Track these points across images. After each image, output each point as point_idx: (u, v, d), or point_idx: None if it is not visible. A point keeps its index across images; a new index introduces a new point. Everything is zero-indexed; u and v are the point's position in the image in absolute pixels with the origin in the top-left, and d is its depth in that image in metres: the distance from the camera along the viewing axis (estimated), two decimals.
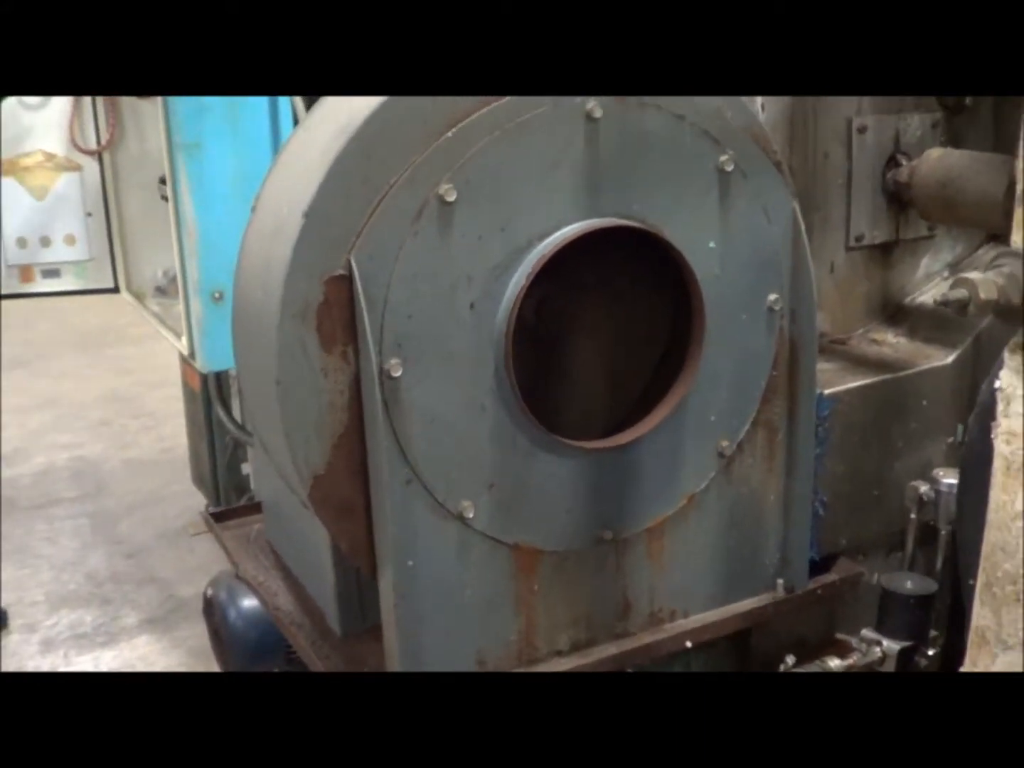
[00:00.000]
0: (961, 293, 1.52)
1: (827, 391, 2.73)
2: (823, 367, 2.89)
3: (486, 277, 2.20)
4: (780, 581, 2.70)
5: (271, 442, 2.30)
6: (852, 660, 2.50)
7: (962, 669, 1.74)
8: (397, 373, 2.14)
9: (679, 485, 2.51)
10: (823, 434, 2.73)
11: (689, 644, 2.58)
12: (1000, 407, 1.58)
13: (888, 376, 2.86)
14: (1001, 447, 1.60)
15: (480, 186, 2.17)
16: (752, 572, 2.69)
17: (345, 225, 2.09)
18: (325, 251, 2.10)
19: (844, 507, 2.84)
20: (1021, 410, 1.55)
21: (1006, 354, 1.58)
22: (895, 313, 3.19)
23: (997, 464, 1.61)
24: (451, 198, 2.14)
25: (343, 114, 2.15)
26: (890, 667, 2.49)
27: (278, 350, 2.10)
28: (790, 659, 2.44)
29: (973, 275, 1.53)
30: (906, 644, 2.52)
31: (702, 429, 2.50)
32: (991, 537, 1.64)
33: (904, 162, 3.02)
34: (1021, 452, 1.57)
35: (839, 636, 2.57)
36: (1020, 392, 1.55)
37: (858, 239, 3.04)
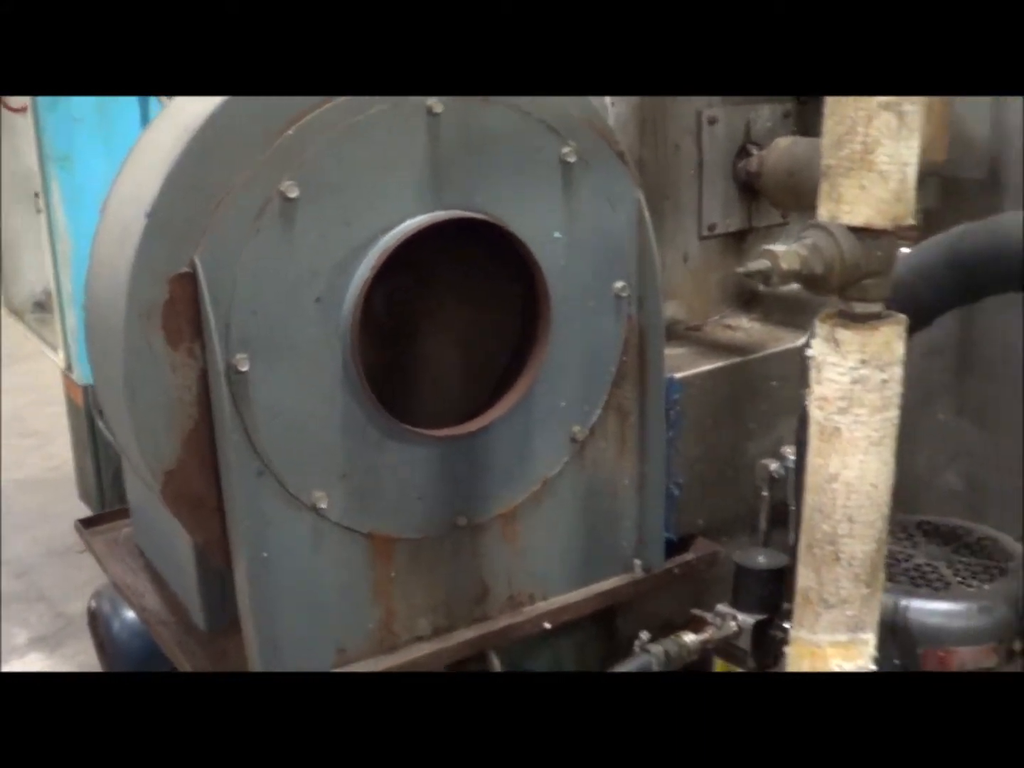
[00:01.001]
0: (763, 264, 1.58)
1: (678, 375, 2.79)
2: (677, 352, 2.96)
3: (331, 272, 2.24)
4: (637, 562, 2.75)
5: (124, 440, 2.33)
6: (708, 635, 2.55)
7: (789, 629, 1.79)
8: (244, 368, 2.17)
9: (532, 470, 2.56)
10: (675, 417, 2.78)
11: (548, 625, 2.63)
12: (812, 374, 1.64)
13: (739, 359, 2.92)
14: (815, 413, 1.66)
15: (322, 183, 2.20)
16: (610, 553, 2.75)
17: (189, 224, 2.12)
18: (169, 250, 2.12)
19: (700, 488, 2.90)
20: (833, 376, 1.61)
21: (816, 323, 1.64)
22: (750, 299, 3.26)
23: (812, 430, 1.68)
24: (293, 195, 2.17)
25: (185, 115, 2.18)
26: (745, 641, 2.54)
27: (125, 348, 2.13)
28: (644, 635, 2.48)
29: (776, 247, 1.59)
30: (760, 617, 2.58)
31: (553, 415, 2.55)
32: (809, 500, 1.71)
33: (754, 151, 3.08)
34: (834, 417, 1.63)
35: (695, 612, 2.62)
36: (830, 359, 1.61)
37: (711, 228, 3.11)
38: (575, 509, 2.65)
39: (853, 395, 1.61)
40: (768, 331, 3.09)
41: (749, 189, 3.12)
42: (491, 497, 2.52)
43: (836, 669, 1.74)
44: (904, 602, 2.32)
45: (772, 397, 2.96)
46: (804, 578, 1.73)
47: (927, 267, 2.03)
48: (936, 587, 2.38)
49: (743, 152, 3.11)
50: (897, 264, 1.83)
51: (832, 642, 1.74)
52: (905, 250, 2.07)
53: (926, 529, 2.62)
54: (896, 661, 2.24)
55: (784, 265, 1.57)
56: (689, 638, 2.52)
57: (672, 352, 2.92)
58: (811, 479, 1.69)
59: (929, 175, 2.99)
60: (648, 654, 2.47)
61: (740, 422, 2.91)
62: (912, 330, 2.05)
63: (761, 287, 3.14)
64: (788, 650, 1.81)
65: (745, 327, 3.15)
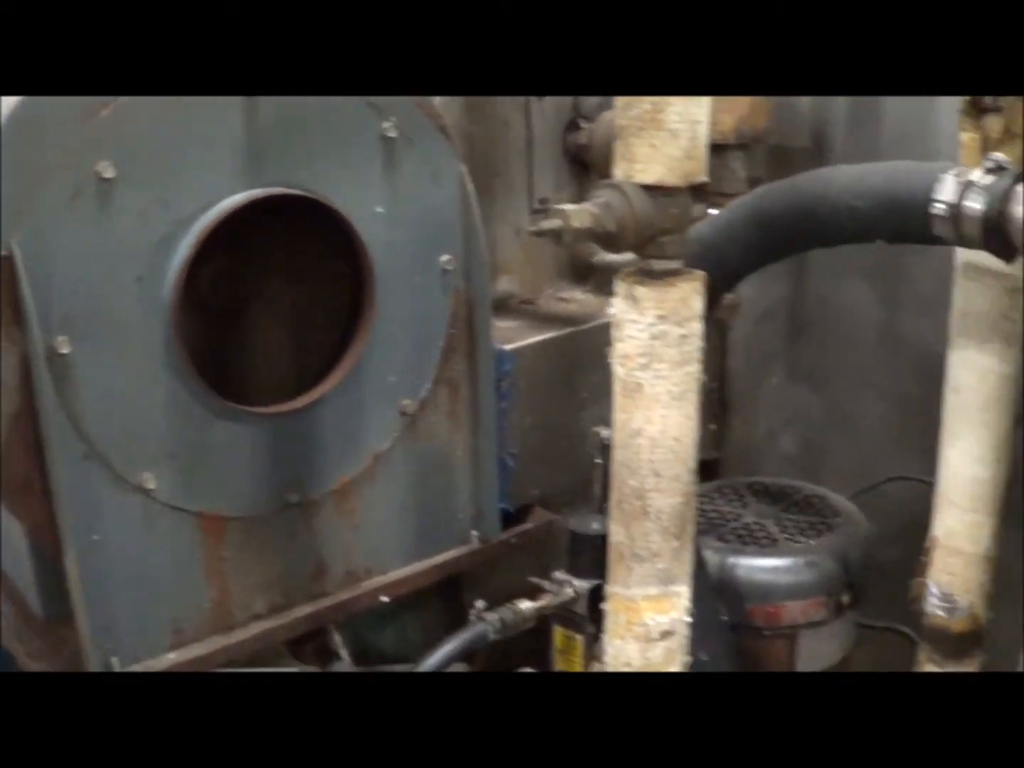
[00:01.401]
0: (555, 223, 1.60)
1: (509, 347, 2.81)
2: (509, 325, 2.97)
3: (152, 252, 2.23)
4: (474, 533, 2.78)
5: None
6: (544, 601, 2.57)
7: (606, 586, 1.81)
8: (65, 350, 2.16)
9: (363, 445, 2.57)
10: (507, 389, 2.80)
11: (385, 599, 2.64)
12: (613, 332, 1.67)
13: (571, 330, 2.95)
14: (617, 370, 1.70)
15: (140, 162, 2.19)
16: (446, 526, 2.77)
17: (4, 208, 2.10)
18: None
19: (535, 458, 2.93)
20: (632, 333, 1.64)
21: (616, 282, 1.67)
22: (584, 272, 3.28)
23: (615, 387, 1.71)
24: (109, 175, 2.16)
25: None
26: (582, 606, 2.57)
27: None
28: (480, 603, 2.51)
29: (567, 206, 1.61)
30: (596, 582, 2.61)
31: (382, 389, 2.56)
32: (617, 456, 1.74)
33: (584, 125, 3.11)
34: (635, 373, 1.66)
35: (533, 580, 2.64)
36: (629, 317, 1.64)
37: (542, 202, 3.12)
38: (409, 483, 2.67)
39: (653, 351, 1.64)
40: (601, 302, 3.12)
41: (580, 163, 3.15)
42: (323, 473, 2.52)
43: (650, 623, 1.78)
44: (732, 560, 2.37)
45: (605, 366, 2.98)
46: (615, 534, 1.77)
47: (732, 227, 2.07)
48: (763, 544, 2.43)
49: (573, 126, 3.13)
50: (704, 225, 1.87)
51: (645, 596, 1.77)
52: (713, 212, 2.10)
53: (756, 490, 2.67)
54: (724, 617, 2.27)
55: (575, 224, 1.60)
56: (525, 605, 2.54)
57: (505, 325, 2.95)
58: (617, 435, 1.72)
59: (754, 142, 3.04)
60: (484, 622, 2.48)
61: (573, 392, 2.94)
62: (722, 289, 2.10)
63: (595, 259, 3.16)
64: (605, 607, 1.84)
65: (579, 299, 3.18)
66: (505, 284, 3.10)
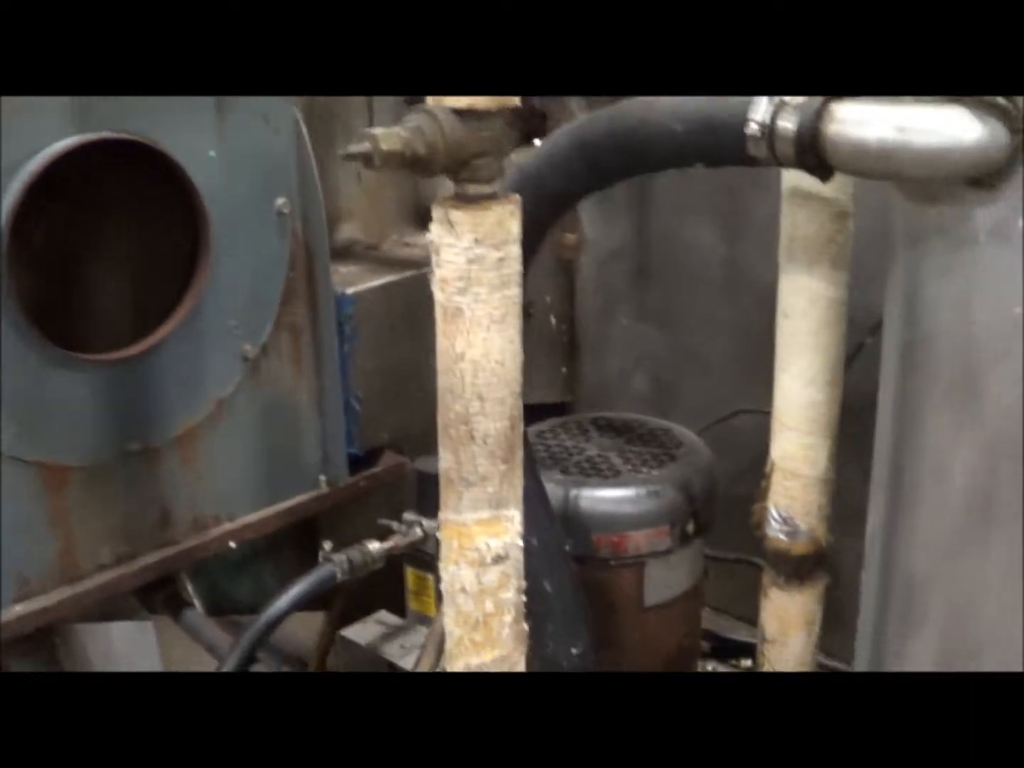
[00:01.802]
0: (364, 147, 1.60)
1: (351, 290, 2.81)
2: (352, 270, 2.97)
3: None
4: (323, 477, 2.78)
5: None
6: (393, 542, 2.58)
7: (441, 516, 1.82)
8: None
9: (205, 391, 2.56)
10: (350, 332, 2.80)
11: (233, 544, 2.64)
12: (432, 258, 1.67)
13: (414, 273, 2.95)
14: (437, 295, 1.70)
15: None
16: (294, 471, 2.77)
17: None
18: None
19: (382, 402, 2.93)
20: (450, 257, 1.64)
21: (433, 207, 1.67)
22: (429, 217, 3.27)
23: (436, 313, 1.71)
24: None
25: None
26: (432, 546, 2.58)
27: None
28: (327, 545, 2.51)
29: (376, 129, 1.61)
30: None
31: (222, 335, 2.55)
32: (441, 382, 1.74)
33: None
34: (455, 298, 1.66)
35: (382, 521, 2.65)
36: (446, 241, 1.64)
37: None
38: (254, 429, 2.66)
39: (471, 275, 1.64)
40: None
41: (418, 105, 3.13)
42: (165, 420, 2.51)
43: (483, 547, 1.78)
44: (575, 491, 2.38)
45: None
46: (444, 460, 1.77)
47: (555, 155, 2.07)
48: (606, 476, 2.45)
49: None
50: (528, 155, 1.88)
51: (477, 520, 1.77)
52: (538, 142, 2.11)
53: (600, 424, 2.69)
54: (568, 548, 2.29)
55: (385, 147, 1.59)
56: (374, 546, 2.55)
57: (347, 270, 2.94)
58: (440, 361, 1.72)
59: None
60: (331, 563, 2.48)
61: (418, 335, 2.93)
62: (549, 219, 2.11)
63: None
64: (439, 535, 1.84)
65: (423, 243, 3.18)
66: (348, 230, 3.09)
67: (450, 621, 1.86)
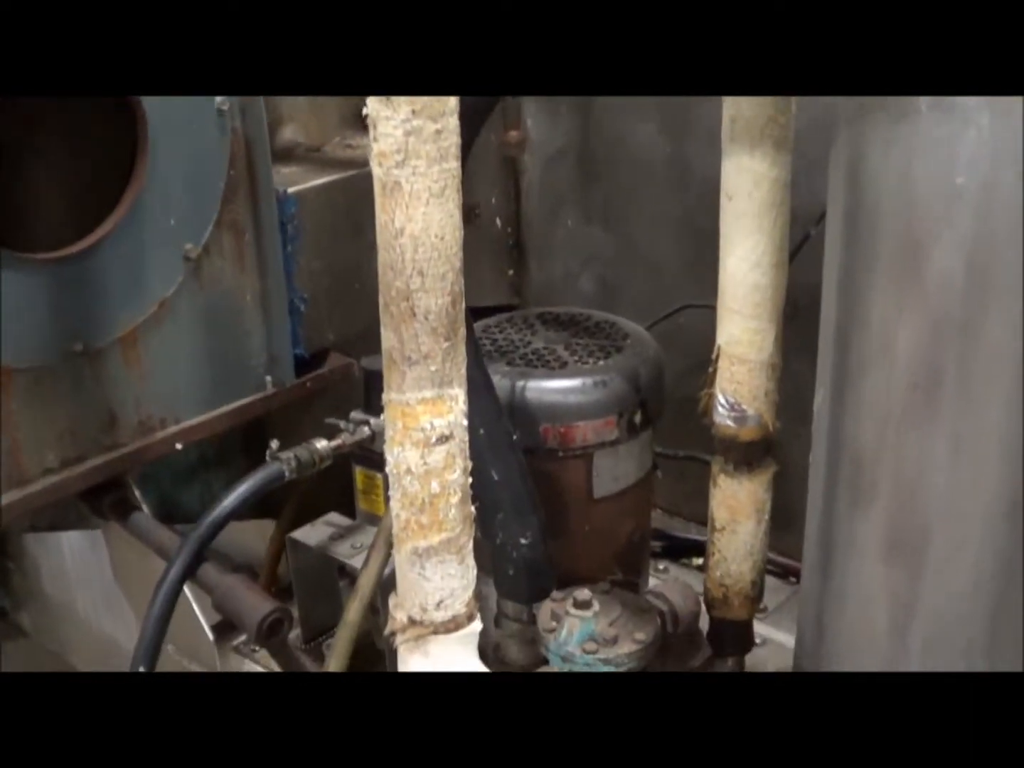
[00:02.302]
0: None
1: (292, 189, 2.78)
2: (293, 170, 2.95)
3: None
4: (269, 379, 2.76)
5: None
6: (340, 440, 2.57)
7: (384, 396, 1.81)
8: None
9: (147, 291, 2.53)
10: (293, 232, 2.78)
11: (179, 446, 2.62)
12: (370, 132, 1.65)
13: (356, 172, 2.92)
14: (376, 170, 1.68)
15: None
16: (240, 373, 2.75)
17: None
18: None
19: (327, 303, 2.91)
20: (387, 131, 1.62)
21: None
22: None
23: (375, 188, 1.69)
24: None
25: None
26: (380, 444, 2.57)
27: None
28: (274, 443, 2.49)
29: None
30: None
31: (163, 233, 2.52)
32: (382, 259, 1.73)
33: None
34: (393, 171, 1.64)
35: (329, 420, 2.64)
36: (384, 114, 1.62)
37: None
38: (198, 330, 2.64)
39: (408, 147, 1.63)
40: None
41: None
42: (107, 320, 2.48)
43: (427, 427, 1.77)
44: (521, 383, 2.37)
45: None
46: (386, 339, 1.76)
47: None
48: (553, 367, 2.44)
49: None
50: None
51: (420, 400, 1.76)
52: None
53: (546, 319, 2.68)
54: (515, 437, 2.28)
55: None
56: (321, 444, 2.54)
57: (290, 170, 2.92)
58: (380, 237, 1.71)
59: None
60: (279, 462, 2.47)
61: (361, 234, 2.92)
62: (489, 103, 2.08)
63: None
64: (384, 417, 1.84)
65: (366, 145, 3.15)
66: (290, 132, 3.07)
67: (396, 504, 1.85)
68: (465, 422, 1.82)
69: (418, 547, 1.88)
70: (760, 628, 2.84)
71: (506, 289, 3.61)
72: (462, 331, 1.78)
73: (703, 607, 2.46)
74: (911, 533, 1.94)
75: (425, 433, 1.79)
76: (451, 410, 1.79)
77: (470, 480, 1.89)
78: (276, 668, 2.75)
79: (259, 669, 2.85)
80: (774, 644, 2.84)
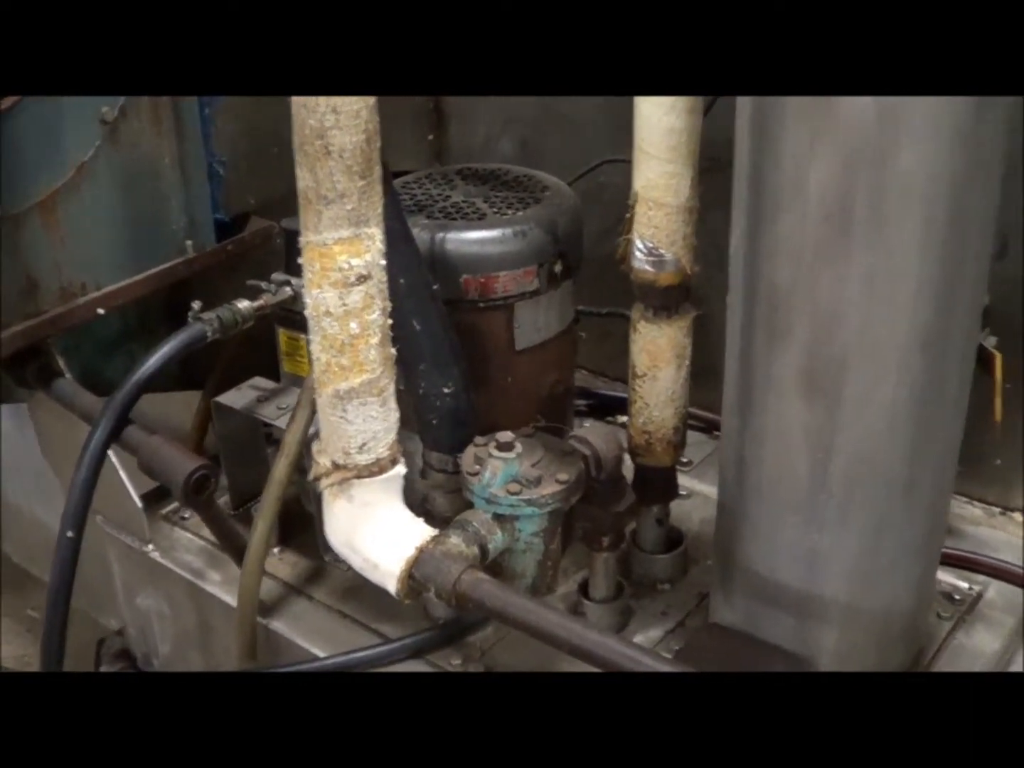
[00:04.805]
0: None
1: None
2: None
3: None
4: (189, 243, 2.75)
5: None
6: (262, 300, 2.56)
7: (301, 239, 1.81)
8: None
9: (63, 155, 2.51)
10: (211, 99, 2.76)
11: (101, 311, 2.62)
12: None
13: None
14: None
15: None
16: (160, 237, 2.74)
17: None
18: None
19: (246, 166, 2.90)
20: None
21: None
22: None
23: None
24: None
25: None
26: (301, 304, 2.57)
27: None
28: (196, 304, 2.49)
29: None
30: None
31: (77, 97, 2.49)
32: (295, 98, 1.73)
33: None
34: None
35: (251, 282, 2.63)
36: None
37: None
38: (116, 194, 2.63)
39: None
40: None
41: None
42: (24, 185, 2.46)
43: (345, 267, 1.78)
44: (441, 235, 2.37)
45: None
46: (302, 179, 1.76)
47: None
48: (472, 219, 2.44)
49: None
50: None
51: (337, 239, 1.77)
52: None
53: (465, 174, 2.68)
54: (436, 287, 2.28)
55: None
56: (243, 304, 2.53)
57: None
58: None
59: None
60: (201, 322, 2.47)
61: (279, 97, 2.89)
62: None
63: None
64: (300, 260, 1.84)
65: None
66: None
67: (316, 347, 1.87)
68: (383, 262, 1.83)
69: (339, 389, 1.89)
70: (686, 481, 2.89)
71: (426, 154, 3.60)
72: (378, 170, 1.78)
73: (627, 454, 2.50)
74: (827, 368, 1.97)
75: (343, 273, 1.80)
76: (368, 249, 1.80)
77: (390, 322, 1.91)
78: (207, 536, 2.76)
79: (189, 537, 2.86)
80: (700, 496, 2.88)
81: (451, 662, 2.44)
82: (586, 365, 3.24)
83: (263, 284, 2.64)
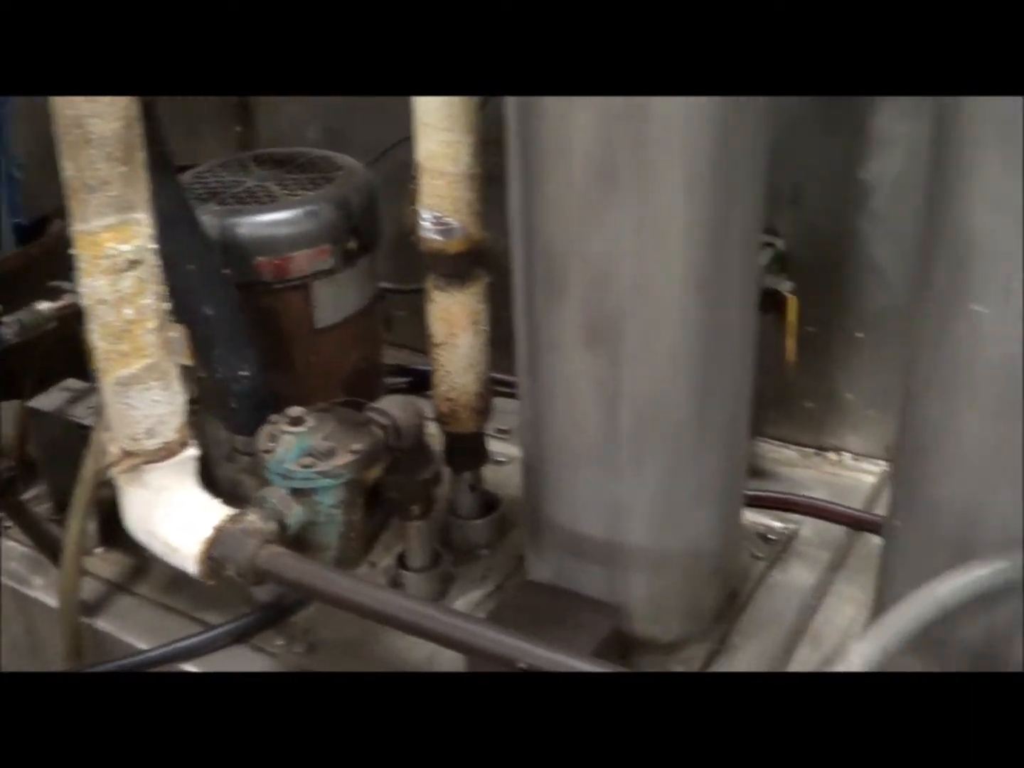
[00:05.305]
0: None
1: None
2: None
3: None
4: None
5: None
6: (65, 301, 2.54)
7: (70, 229, 1.81)
8: None
9: None
10: (2, 97, 2.74)
11: None
12: None
13: None
14: None
15: None
16: None
17: None
18: None
19: (45, 170, 2.86)
20: None
21: None
22: None
23: None
24: None
25: None
26: None
27: None
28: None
29: None
30: None
31: None
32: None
33: None
34: None
35: (52, 283, 2.61)
36: None
37: None
38: None
39: None
40: None
41: None
42: None
43: (114, 253, 1.79)
44: (232, 219, 2.38)
45: None
46: (65, 169, 1.77)
47: None
48: (264, 202, 2.45)
49: None
50: None
51: (104, 227, 1.78)
52: None
53: (261, 159, 2.69)
54: (228, 271, 2.30)
55: None
56: (44, 306, 2.52)
57: None
58: None
59: None
60: (2, 325, 2.45)
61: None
62: None
63: None
64: (72, 252, 1.85)
65: None
66: None
67: (95, 336, 1.88)
68: (153, 246, 1.84)
69: (121, 376, 1.90)
70: (504, 448, 2.93)
71: (234, 144, 3.61)
72: (140, 155, 1.79)
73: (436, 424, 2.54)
74: (606, 319, 2.02)
75: (113, 260, 1.81)
76: (137, 235, 1.81)
77: (166, 306, 1.92)
78: (26, 542, 2.75)
79: (11, 544, 2.84)
80: (517, 462, 2.91)
81: (274, 644, 2.46)
82: (406, 343, 3.26)
83: (65, 284, 2.63)
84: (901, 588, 1.80)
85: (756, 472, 2.91)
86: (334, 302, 2.51)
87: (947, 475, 1.91)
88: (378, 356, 2.75)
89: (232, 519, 2.02)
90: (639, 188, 1.91)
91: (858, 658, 1.70)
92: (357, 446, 2.13)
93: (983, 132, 1.65)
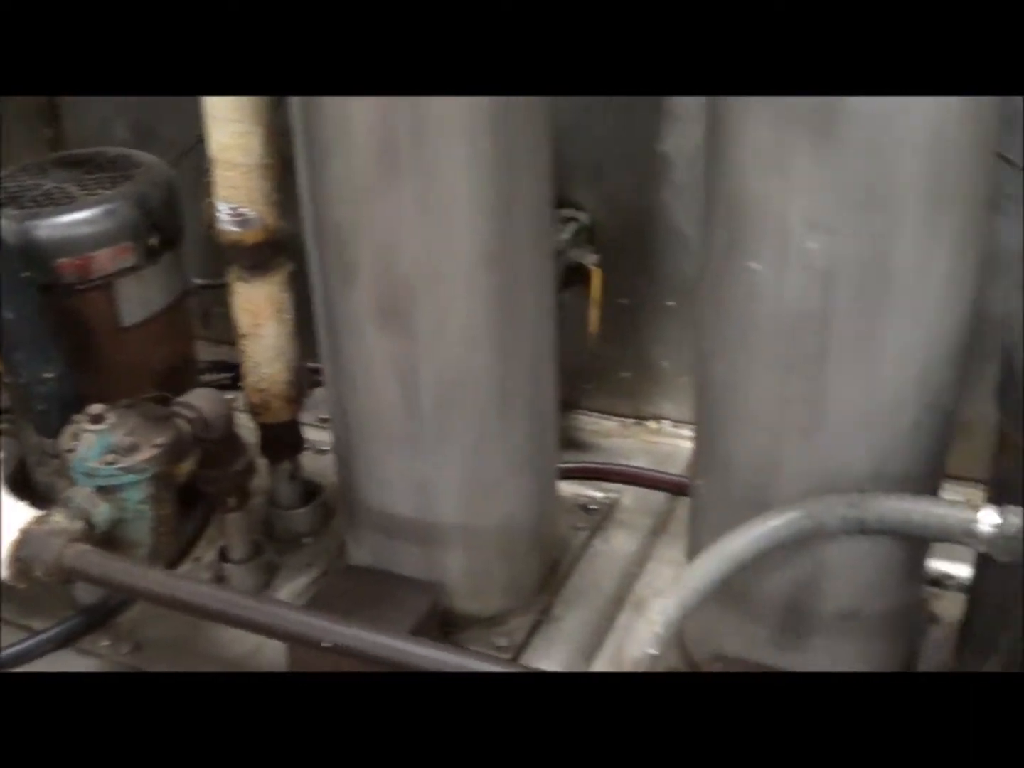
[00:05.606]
0: None
1: None
2: None
3: None
4: None
5: None
6: None
7: None
8: None
9: None
10: None
11: None
12: None
13: None
14: None
15: None
16: None
17: None
18: None
19: None
20: None
21: None
22: None
23: None
24: None
25: None
26: None
27: None
28: None
29: None
30: None
31: None
32: None
33: None
34: None
35: None
36: None
37: None
38: None
39: None
40: None
41: None
42: None
43: None
44: (29, 223, 2.36)
45: None
46: None
47: None
48: (62, 204, 2.44)
49: None
50: None
51: None
52: None
53: (61, 162, 2.68)
54: (27, 274, 2.28)
55: None
56: None
57: None
58: None
59: None
60: None
61: None
62: None
63: None
64: None
65: None
66: None
67: None
68: None
69: None
70: (324, 436, 2.90)
71: (44, 147, 3.56)
72: None
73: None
74: (398, 298, 2.04)
75: None
76: None
77: None
78: None
79: None
80: None
81: (100, 645, 2.45)
82: (227, 339, 3.24)
83: None
84: (706, 545, 1.84)
85: (576, 444, 2.95)
86: (140, 299, 2.50)
87: (738, 432, 1.96)
88: (191, 351, 2.74)
89: (38, 520, 2.01)
90: (420, 168, 1.94)
91: (659, 616, 1.74)
92: (160, 440, 2.13)
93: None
